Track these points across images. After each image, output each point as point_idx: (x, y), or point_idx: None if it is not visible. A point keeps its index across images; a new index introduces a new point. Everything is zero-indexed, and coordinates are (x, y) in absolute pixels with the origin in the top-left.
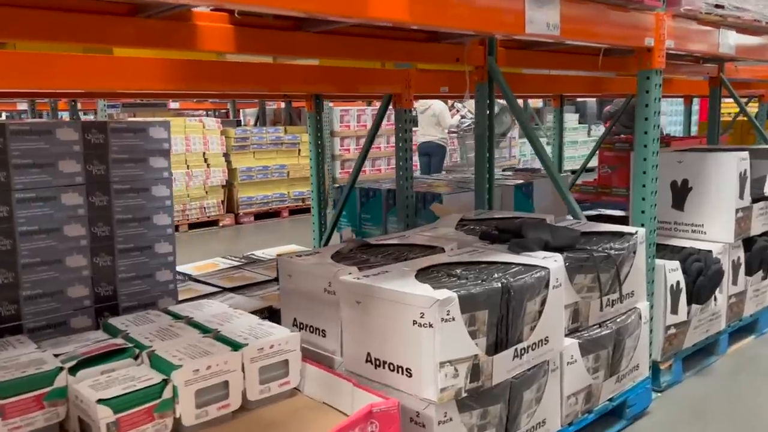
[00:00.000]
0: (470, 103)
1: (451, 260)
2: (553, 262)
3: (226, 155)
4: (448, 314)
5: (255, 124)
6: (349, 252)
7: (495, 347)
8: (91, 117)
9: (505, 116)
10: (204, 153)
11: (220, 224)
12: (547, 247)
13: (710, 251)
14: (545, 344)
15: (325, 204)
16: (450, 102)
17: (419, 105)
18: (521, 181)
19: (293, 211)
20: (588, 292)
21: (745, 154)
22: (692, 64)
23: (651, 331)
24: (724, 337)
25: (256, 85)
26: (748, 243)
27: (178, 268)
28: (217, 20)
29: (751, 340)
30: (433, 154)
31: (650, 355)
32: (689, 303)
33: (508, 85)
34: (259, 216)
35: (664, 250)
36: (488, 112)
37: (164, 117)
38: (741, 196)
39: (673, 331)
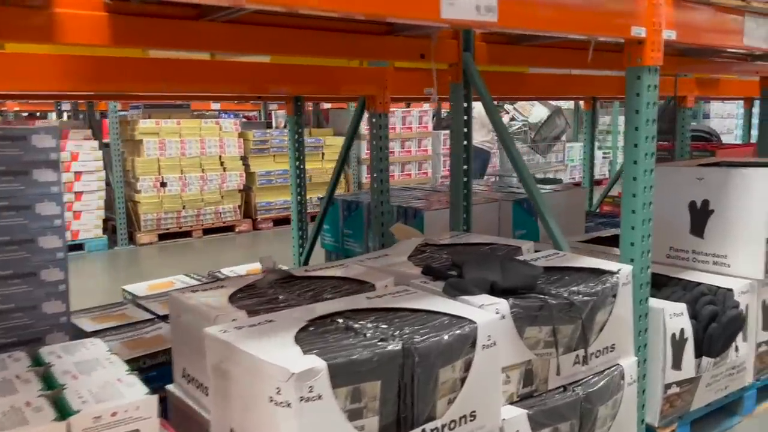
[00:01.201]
0: (521, 104)
1: (364, 305)
2: (493, 313)
3: (244, 158)
4: (310, 391)
5: (285, 126)
6: (266, 286)
7: (396, 426)
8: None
9: (559, 118)
10: (220, 156)
11: (237, 230)
12: (494, 290)
13: (731, 290)
14: (471, 420)
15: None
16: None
17: None
18: (523, 196)
19: (315, 218)
20: (545, 348)
21: None
22: (737, 61)
23: (643, 391)
24: (750, 393)
25: (192, 84)
26: None
27: (129, 288)
28: (86, 8)
29: None
30: (474, 158)
31: (642, 421)
32: (699, 355)
33: (485, 86)
34: (279, 222)
35: (675, 287)
36: (465, 117)
37: (182, 119)
38: None
39: (675, 390)
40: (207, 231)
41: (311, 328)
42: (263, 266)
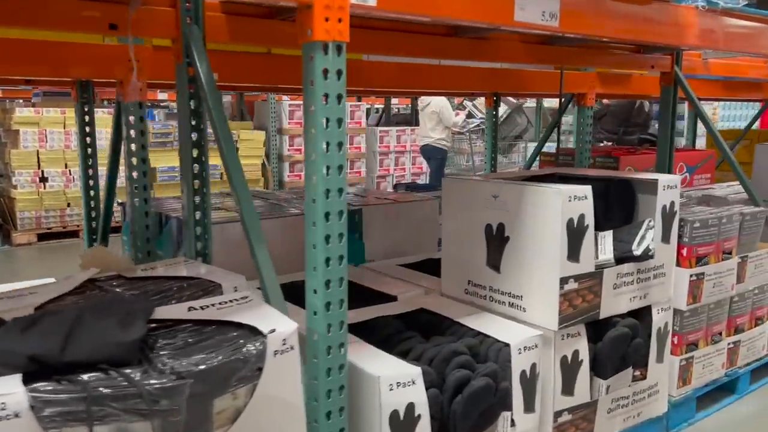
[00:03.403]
0: (480, 101)
1: None
2: None
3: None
4: None
5: None
6: None
7: None
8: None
9: (519, 117)
10: None
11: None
12: (48, 366)
13: (507, 345)
14: None
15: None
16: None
17: (420, 102)
18: (352, 208)
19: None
20: None
21: (583, 189)
22: (628, 53)
23: None
24: None
25: None
26: (600, 329)
27: None
28: None
29: None
30: (431, 158)
31: None
32: None
33: (211, 68)
34: None
35: (450, 336)
36: (196, 109)
37: (68, 107)
38: (573, 257)
39: None
40: (70, 234)
41: None
42: None
